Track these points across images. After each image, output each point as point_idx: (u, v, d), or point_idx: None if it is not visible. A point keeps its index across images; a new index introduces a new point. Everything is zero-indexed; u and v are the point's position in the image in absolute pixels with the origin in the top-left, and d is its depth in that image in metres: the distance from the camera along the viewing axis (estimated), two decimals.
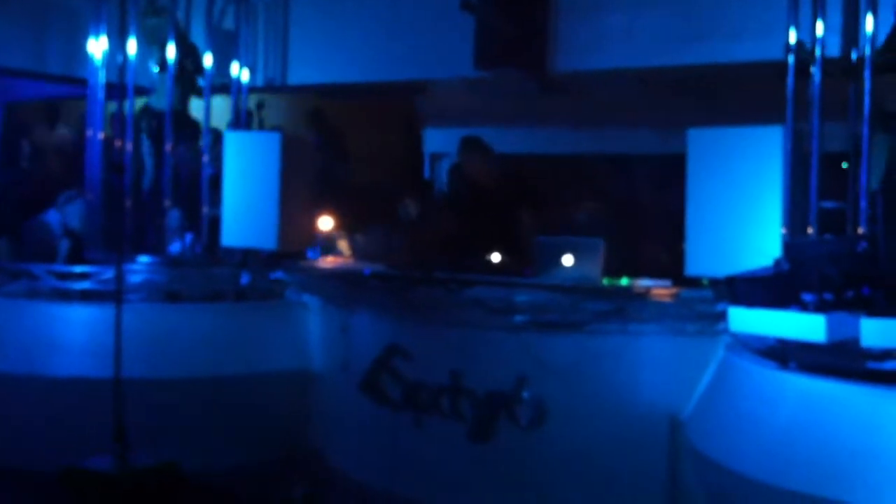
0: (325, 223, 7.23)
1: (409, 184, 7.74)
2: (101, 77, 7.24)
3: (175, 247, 7.24)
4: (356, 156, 9.39)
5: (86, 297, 6.52)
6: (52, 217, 7.38)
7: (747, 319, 4.59)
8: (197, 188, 7.29)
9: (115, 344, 5.66)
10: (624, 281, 5.69)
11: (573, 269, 5.59)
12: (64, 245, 7.21)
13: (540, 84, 7.43)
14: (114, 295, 6.29)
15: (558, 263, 5.61)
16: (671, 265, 5.56)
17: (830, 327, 4.20)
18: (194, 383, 6.38)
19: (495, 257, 6.01)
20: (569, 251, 5.59)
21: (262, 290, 6.88)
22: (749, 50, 6.14)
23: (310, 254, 7.10)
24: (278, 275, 6.87)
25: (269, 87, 8.09)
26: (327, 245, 7.22)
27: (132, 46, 7.25)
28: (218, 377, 6.43)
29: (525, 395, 5.43)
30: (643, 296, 5.44)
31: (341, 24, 7.79)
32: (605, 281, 5.63)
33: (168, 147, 7.22)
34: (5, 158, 9.63)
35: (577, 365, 5.32)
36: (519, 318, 5.47)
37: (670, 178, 5.87)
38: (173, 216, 7.25)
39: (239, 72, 7.63)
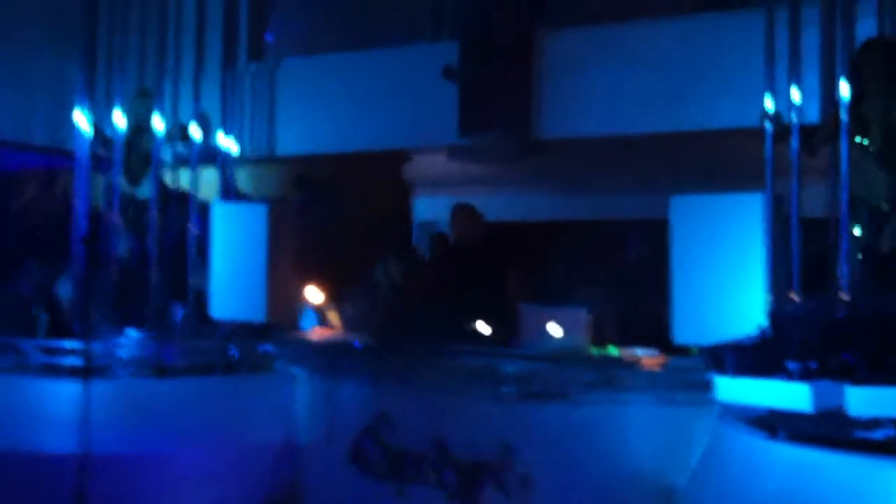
0: (314, 294, 7.22)
1: (395, 251, 7.73)
2: (87, 149, 7.28)
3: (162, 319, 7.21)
4: (344, 220, 9.42)
5: (74, 372, 6.44)
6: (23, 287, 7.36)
7: (734, 388, 4.60)
8: (182, 259, 7.29)
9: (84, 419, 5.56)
10: (611, 349, 5.69)
11: (559, 337, 5.58)
12: (42, 318, 7.17)
13: (524, 149, 7.49)
14: (100, 370, 6.30)
15: (543, 332, 5.61)
16: (658, 332, 5.55)
17: (816, 396, 4.21)
18: (182, 457, 6.31)
19: (481, 326, 6.00)
20: (554, 319, 5.59)
21: (251, 363, 6.83)
22: (731, 114, 6.21)
23: (303, 324, 7.09)
24: (267, 347, 6.84)
25: (256, 158, 8.14)
26: (317, 316, 7.21)
27: (119, 118, 7.32)
28: (206, 450, 6.36)
29: (511, 465, 5.38)
30: (631, 365, 5.43)
31: (327, 94, 7.88)
32: (592, 349, 5.63)
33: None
34: None
35: (564, 435, 5.29)
36: (505, 387, 5.44)
37: (656, 243, 5.90)
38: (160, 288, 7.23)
39: (225, 142, 7.69)
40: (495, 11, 7.35)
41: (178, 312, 7.10)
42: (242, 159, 7.99)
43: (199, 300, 7.02)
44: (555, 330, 5.59)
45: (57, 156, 8.42)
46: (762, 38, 5.66)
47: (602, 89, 6.78)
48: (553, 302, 5.99)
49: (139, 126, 7.40)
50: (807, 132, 5.48)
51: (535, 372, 5.43)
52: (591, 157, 7.56)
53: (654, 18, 6.79)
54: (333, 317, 7.24)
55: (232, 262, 6.78)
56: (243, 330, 6.87)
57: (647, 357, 5.49)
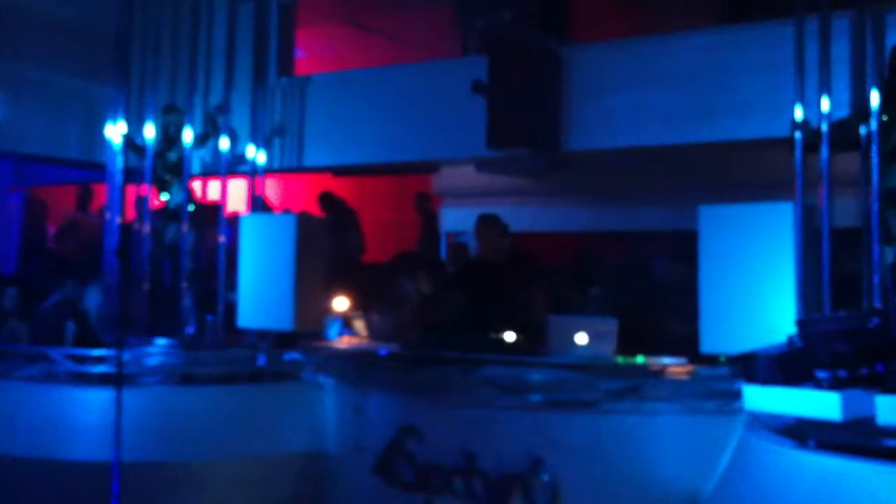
0: (341, 303, 7.26)
1: (423, 262, 7.77)
2: (119, 162, 7.41)
3: (190, 328, 7.28)
4: (371, 233, 9.49)
5: (102, 380, 6.51)
6: (54, 300, 7.46)
7: (762, 397, 4.57)
8: (213, 269, 7.37)
9: (115, 427, 5.59)
10: (639, 359, 5.67)
11: (587, 347, 5.58)
12: (70, 327, 7.27)
13: (551, 162, 7.51)
14: (129, 378, 6.37)
15: (572, 342, 5.61)
16: (686, 342, 5.53)
17: (846, 405, 4.18)
18: (209, 466, 6.34)
19: (509, 336, 5.99)
20: (582, 330, 5.59)
21: (278, 371, 6.87)
22: (756, 127, 6.21)
23: (329, 333, 7.12)
24: (294, 355, 6.87)
25: (285, 170, 8.23)
26: (343, 325, 7.24)
27: (150, 132, 7.44)
28: (233, 460, 6.39)
29: (540, 475, 5.36)
30: (659, 374, 5.42)
31: (356, 107, 7.95)
32: (619, 359, 5.61)
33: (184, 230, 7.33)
34: (28, 241, 9.82)
35: (592, 444, 5.27)
36: (533, 397, 5.44)
37: (683, 254, 5.89)
38: (188, 298, 7.31)
39: (255, 155, 7.78)
40: (523, 27, 7.40)
41: (207, 321, 7.19)
42: (271, 171, 8.08)
43: (228, 309, 7.09)
44: (582, 339, 5.59)
45: (90, 170, 8.54)
46: (786, 49, 5.69)
47: (628, 103, 6.80)
48: (579, 312, 5.98)
49: (169, 137, 7.50)
50: (840, 124, 5.44)
51: (563, 381, 5.41)
52: (617, 170, 7.56)
53: (678, 33, 6.82)
54: (360, 326, 7.28)
55: (260, 272, 6.84)
56: (271, 339, 6.92)
57: (675, 366, 5.47)
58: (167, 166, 7.51)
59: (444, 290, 6.94)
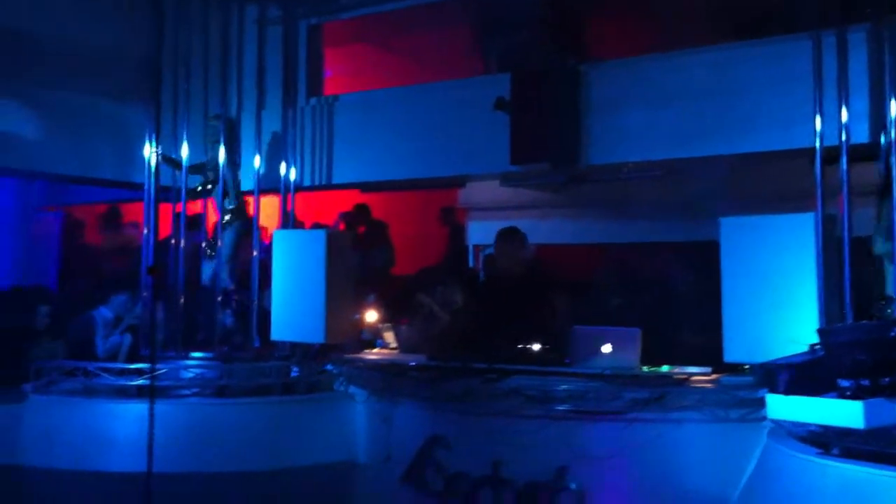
0: (371, 315, 7.40)
1: (449, 274, 7.89)
2: (154, 181, 7.60)
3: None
4: (399, 246, 9.63)
5: (140, 393, 6.68)
6: (102, 313, 7.64)
7: (786, 406, 4.63)
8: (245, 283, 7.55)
9: (147, 439, 5.70)
10: (663, 368, 5.76)
11: (611, 357, 5.67)
12: (126, 340, 7.44)
13: (570, 177, 7.63)
14: (164, 391, 6.53)
15: (596, 352, 5.71)
16: (709, 352, 5.61)
17: (868, 414, 4.23)
18: (243, 477, 6.48)
19: (533, 347, 6.10)
20: (606, 340, 5.69)
21: (311, 383, 7.01)
22: (769, 140, 6.30)
23: (361, 345, 7.27)
24: (326, 368, 7.01)
25: (315, 187, 8.39)
26: (374, 337, 7.38)
27: (185, 150, 7.64)
28: (267, 470, 6.52)
29: (566, 484, 5.45)
30: (683, 383, 5.50)
31: (383, 125, 8.10)
32: (643, 369, 5.70)
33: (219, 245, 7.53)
34: (65, 259, 10.03)
35: (618, 453, 5.36)
36: (558, 406, 5.53)
37: (703, 264, 5.97)
38: (227, 314, 7.48)
39: (286, 172, 7.97)
40: (542, 46, 7.54)
41: (240, 334, 7.35)
42: (302, 188, 8.26)
43: (262, 323, 7.25)
44: (607, 350, 5.68)
45: (125, 189, 8.74)
46: (798, 63, 5.79)
47: (643, 118, 6.91)
48: (603, 323, 6.07)
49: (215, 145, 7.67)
50: None
51: (588, 391, 5.51)
52: (634, 183, 7.67)
53: (691, 49, 6.94)
54: (390, 338, 7.40)
55: (292, 285, 7.00)
56: (303, 351, 7.07)
57: (698, 375, 5.55)
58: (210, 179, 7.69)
59: (470, 302, 7.05)
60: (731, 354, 5.42)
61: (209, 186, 7.71)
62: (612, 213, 8.37)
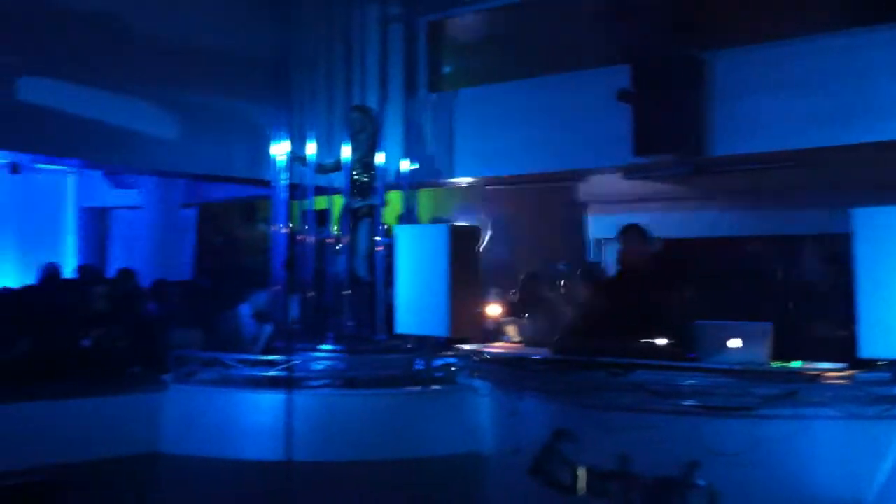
0: (494, 309, 7.47)
1: (573, 269, 7.90)
2: (283, 178, 7.89)
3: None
4: (520, 240, 9.68)
5: (272, 384, 6.94)
6: (244, 310, 7.96)
7: None
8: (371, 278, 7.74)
9: (285, 428, 5.91)
10: (794, 364, 5.63)
11: (740, 352, 5.58)
12: (266, 331, 7.73)
13: (698, 167, 7.52)
14: (296, 382, 6.77)
15: (723, 347, 5.62)
16: (842, 347, 5.46)
17: None
18: (370, 466, 6.66)
19: (659, 341, 6.05)
20: (735, 335, 5.59)
21: (435, 376, 7.14)
22: None
23: (483, 339, 7.36)
24: (450, 361, 7.13)
25: (436, 182, 8.53)
26: (497, 331, 7.45)
27: (311, 149, 7.89)
28: (394, 459, 6.69)
29: (696, 480, 5.40)
30: (815, 379, 5.37)
31: (503, 119, 8.16)
32: (774, 364, 5.58)
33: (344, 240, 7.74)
34: (200, 253, 10.48)
35: (749, 450, 5.27)
36: (686, 401, 5.48)
37: (835, 257, 5.80)
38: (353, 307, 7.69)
39: (408, 168, 8.12)
40: (665, 35, 7.45)
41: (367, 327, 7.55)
42: (423, 184, 8.40)
43: (387, 316, 7.43)
44: (736, 344, 5.59)
45: (255, 186, 9.09)
46: None
47: (770, 107, 6.77)
48: (731, 317, 5.97)
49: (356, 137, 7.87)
50: None
51: (717, 386, 5.44)
52: (763, 174, 7.49)
53: (819, 34, 6.73)
54: (513, 332, 7.46)
55: (416, 279, 7.12)
56: (427, 344, 7.21)
57: (832, 371, 5.41)
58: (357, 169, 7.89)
59: (593, 296, 7.04)
60: (867, 350, 5.25)
61: (357, 179, 7.86)
62: (739, 204, 8.20)
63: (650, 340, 6.08)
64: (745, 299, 7.12)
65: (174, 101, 8.51)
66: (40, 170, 10.24)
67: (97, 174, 10.81)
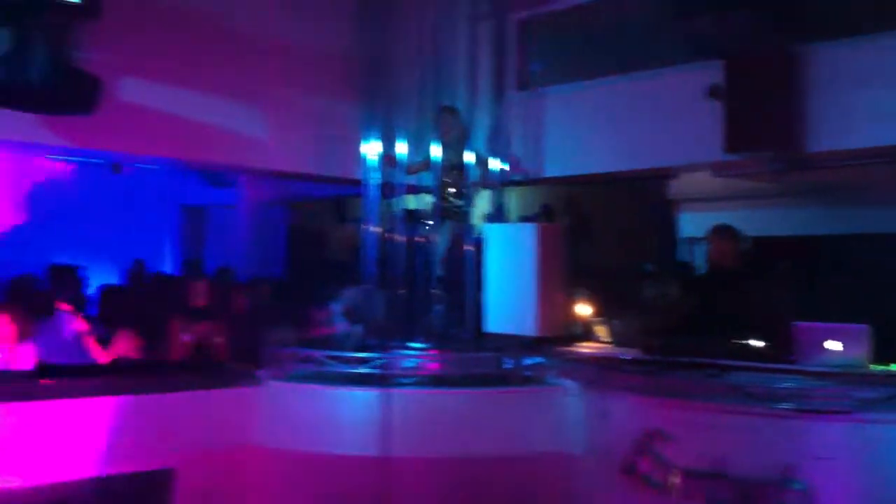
0: (583, 309, 7.47)
1: (664, 268, 7.85)
2: (374, 178, 8.02)
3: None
4: (609, 240, 9.64)
5: (364, 381, 7.06)
6: (335, 308, 8.11)
7: None
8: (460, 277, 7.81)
9: (382, 424, 6.00)
10: (893, 366, 5.51)
11: (838, 355, 5.48)
12: (357, 330, 7.87)
13: (791, 164, 7.37)
14: (388, 379, 6.88)
15: (821, 349, 5.53)
16: None
17: None
18: (461, 463, 6.73)
19: (755, 343, 5.98)
20: (832, 337, 5.50)
21: (524, 375, 7.17)
22: None
23: (572, 338, 7.36)
24: (539, 360, 7.15)
25: (526, 181, 8.54)
26: (586, 330, 7.44)
27: (402, 149, 7.99)
28: (483, 458, 6.75)
29: (792, 483, 5.33)
30: None
31: (591, 117, 8.13)
32: (873, 367, 5.47)
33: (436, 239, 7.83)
34: (291, 251, 10.71)
35: (848, 454, 5.18)
36: (783, 404, 5.41)
37: None
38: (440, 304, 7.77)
39: (497, 167, 8.16)
40: (757, 29, 7.32)
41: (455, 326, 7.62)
42: (512, 183, 8.43)
43: (476, 315, 7.49)
44: (834, 347, 5.50)
45: (345, 185, 9.25)
46: None
47: (867, 101, 6.59)
48: (825, 318, 5.86)
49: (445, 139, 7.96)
50: None
51: (814, 389, 5.36)
52: (859, 170, 7.30)
53: None
54: (602, 331, 7.45)
55: (504, 278, 7.16)
56: (516, 343, 7.24)
57: None
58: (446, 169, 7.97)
59: (685, 296, 6.99)
60: None
61: (446, 179, 7.93)
62: (832, 201, 8.02)
63: (745, 341, 6.02)
64: (842, 299, 6.97)
65: (268, 101, 8.72)
66: (140, 169, 10.61)
67: (194, 173, 11.15)
